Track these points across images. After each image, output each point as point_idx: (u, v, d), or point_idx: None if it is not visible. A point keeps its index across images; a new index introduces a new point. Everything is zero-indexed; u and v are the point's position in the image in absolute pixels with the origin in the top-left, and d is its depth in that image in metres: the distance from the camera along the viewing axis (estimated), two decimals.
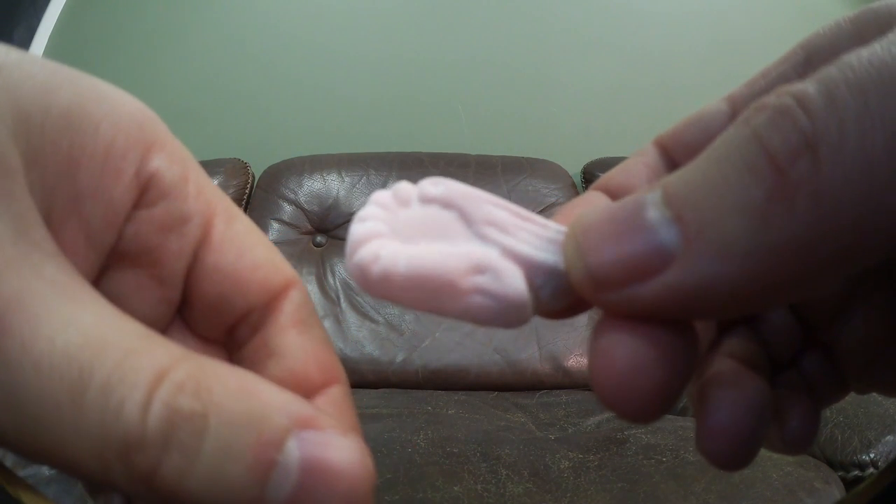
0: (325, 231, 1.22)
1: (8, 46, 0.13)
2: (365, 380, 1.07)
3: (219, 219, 0.16)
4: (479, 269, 0.12)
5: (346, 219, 1.20)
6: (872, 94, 0.09)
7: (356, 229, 0.13)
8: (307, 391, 0.15)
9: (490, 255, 0.12)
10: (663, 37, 1.41)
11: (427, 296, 0.12)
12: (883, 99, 0.09)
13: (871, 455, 0.73)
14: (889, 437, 0.74)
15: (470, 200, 0.13)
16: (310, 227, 1.21)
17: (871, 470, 0.72)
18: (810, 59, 0.15)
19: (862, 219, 0.09)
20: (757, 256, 0.10)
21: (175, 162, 0.15)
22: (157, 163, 0.15)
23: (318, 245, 1.21)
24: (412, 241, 0.13)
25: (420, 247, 0.12)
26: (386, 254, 0.12)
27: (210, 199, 0.16)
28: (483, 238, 0.13)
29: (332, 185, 1.22)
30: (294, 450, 0.11)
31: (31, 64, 0.13)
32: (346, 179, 1.23)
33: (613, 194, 0.17)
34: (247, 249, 0.16)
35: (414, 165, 1.25)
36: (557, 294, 0.13)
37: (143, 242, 0.15)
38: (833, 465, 0.74)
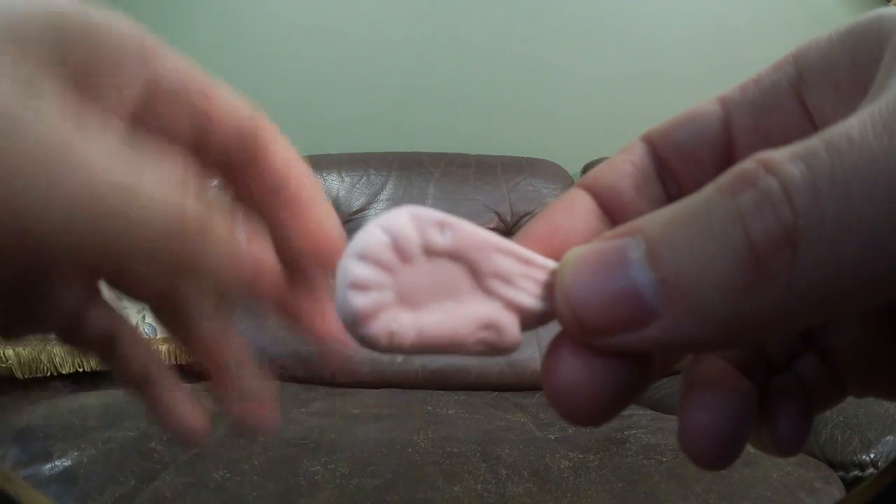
0: None
1: None
2: (365, 380, 1.07)
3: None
4: (484, 327, 0.13)
5: (346, 219, 1.20)
6: (855, 191, 0.10)
7: (359, 302, 0.12)
8: None
9: (494, 312, 0.13)
10: (665, 37, 1.41)
11: (435, 351, 0.13)
12: (863, 199, 0.10)
13: (871, 455, 0.73)
14: (889, 437, 0.74)
15: (479, 252, 0.13)
16: None
17: (871, 470, 0.72)
18: (802, 75, 0.15)
19: (826, 303, 0.11)
20: (731, 324, 0.11)
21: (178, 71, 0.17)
22: (161, 70, 0.16)
23: None
24: (420, 305, 0.13)
25: (429, 314, 0.13)
26: (397, 328, 0.13)
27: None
28: (488, 292, 0.13)
29: (332, 185, 1.22)
30: None
31: None
32: (346, 179, 1.23)
33: (600, 196, 0.17)
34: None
35: (414, 165, 1.25)
36: (545, 321, 0.14)
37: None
38: (833, 465, 0.74)
